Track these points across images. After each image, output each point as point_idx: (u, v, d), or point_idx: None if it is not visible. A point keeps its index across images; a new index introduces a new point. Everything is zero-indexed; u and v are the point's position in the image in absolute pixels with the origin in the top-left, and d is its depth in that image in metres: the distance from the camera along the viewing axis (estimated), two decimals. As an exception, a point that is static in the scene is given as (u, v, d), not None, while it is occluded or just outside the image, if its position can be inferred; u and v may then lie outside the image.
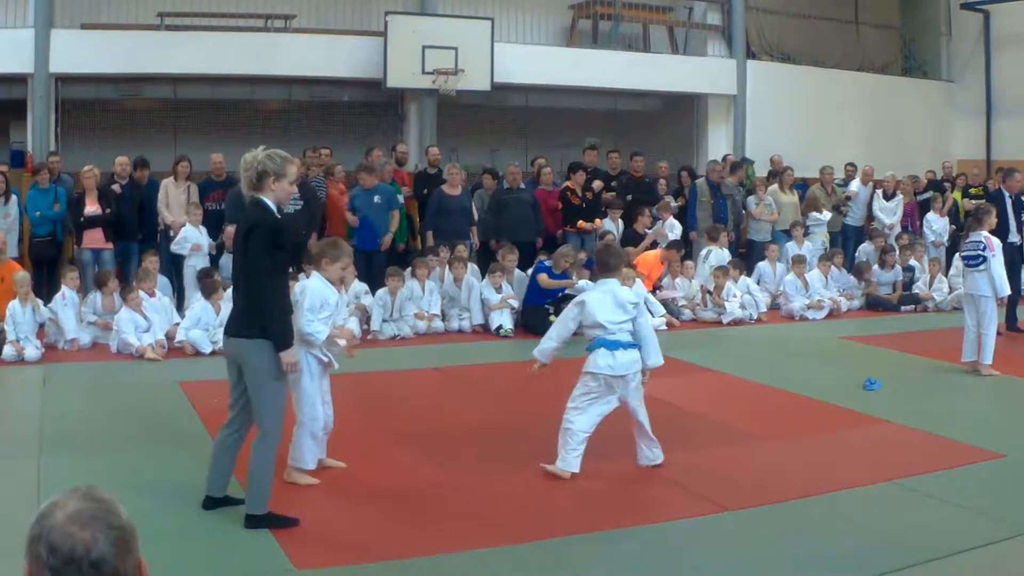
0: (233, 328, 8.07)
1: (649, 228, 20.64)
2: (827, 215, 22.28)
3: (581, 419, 9.52)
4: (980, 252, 14.50)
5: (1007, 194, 18.00)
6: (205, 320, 15.48)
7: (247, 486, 8.11)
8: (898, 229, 22.99)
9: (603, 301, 9.63)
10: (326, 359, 9.52)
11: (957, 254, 20.53)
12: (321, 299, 9.30)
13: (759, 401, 12.93)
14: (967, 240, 15.07)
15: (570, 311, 9.83)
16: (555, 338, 9.94)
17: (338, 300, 10.00)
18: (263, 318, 7.78)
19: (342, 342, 10.07)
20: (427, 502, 8.83)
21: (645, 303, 9.92)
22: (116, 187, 17.63)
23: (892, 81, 30.27)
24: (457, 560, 7.42)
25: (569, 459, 9.43)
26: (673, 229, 21.00)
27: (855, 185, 23.70)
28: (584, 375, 9.63)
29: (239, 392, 8.10)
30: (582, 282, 17.14)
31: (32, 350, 14.49)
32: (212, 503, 8.31)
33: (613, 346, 9.47)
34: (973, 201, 23.35)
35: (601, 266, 10.34)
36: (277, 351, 7.75)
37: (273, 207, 7.99)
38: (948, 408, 12.58)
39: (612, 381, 9.50)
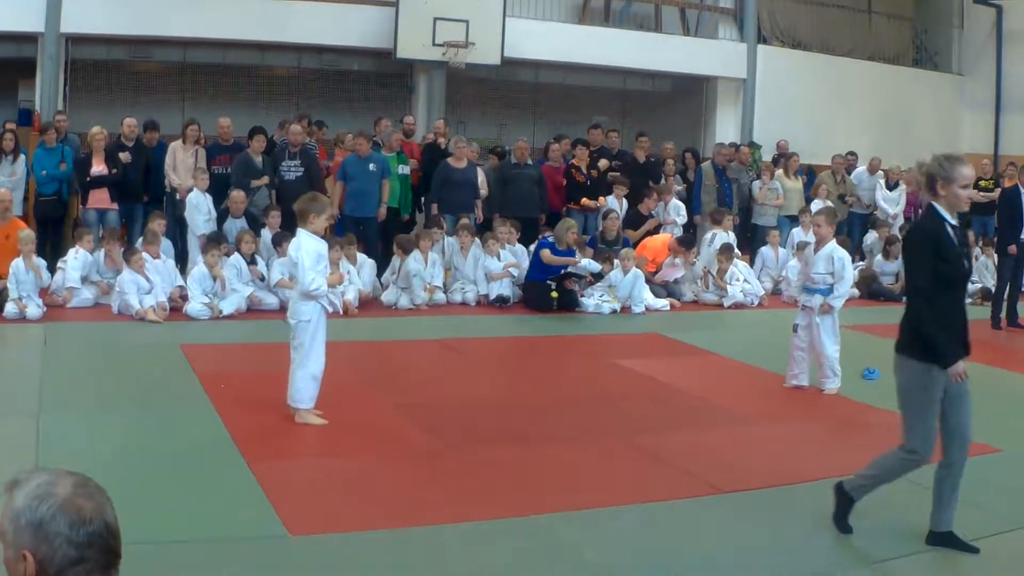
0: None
1: (654, 211, 20.60)
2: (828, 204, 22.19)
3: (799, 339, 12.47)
4: None
5: (1022, 189, 17.78)
6: (206, 286, 15.50)
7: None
8: (901, 219, 22.95)
9: (816, 261, 12.26)
10: (331, 308, 10.03)
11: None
12: (317, 253, 9.79)
13: (756, 385, 12.91)
14: None
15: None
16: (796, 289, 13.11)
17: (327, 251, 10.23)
18: (917, 334, 7.30)
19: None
20: (423, 473, 8.85)
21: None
22: (126, 155, 17.57)
23: (903, 72, 30.21)
24: (451, 531, 7.43)
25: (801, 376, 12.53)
26: (680, 212, 20.98)
27: (861, 173, 23.70)
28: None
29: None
30: (584, 261, 17.18)
31: (34, 308, 14.50)
32: (935, 539, 7.56)
33: (811, 291, 12.27)
34: (982, 194, 23.33)
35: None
36: (943, 368, 7.18)
37: (944, 214, 7.34)
38: (946, 400, 12.55)
39: (804, 311, 12.41)
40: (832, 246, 12.26)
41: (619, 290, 17.66)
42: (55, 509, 2.69)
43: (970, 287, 20.10)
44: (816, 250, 12.36)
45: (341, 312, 10.10)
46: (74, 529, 2.68)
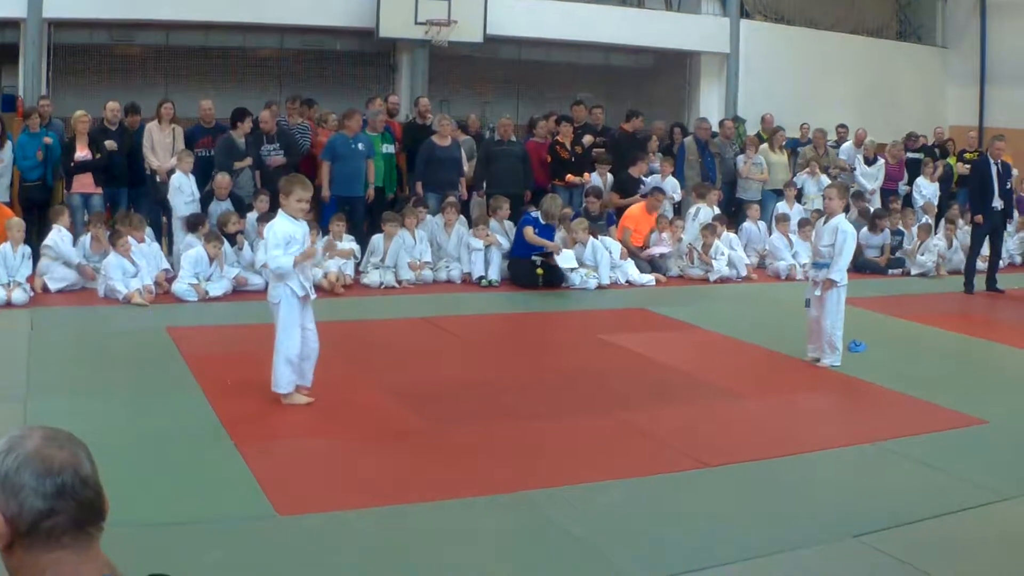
0: None
1: (646, 176, 20.55)
2: (821, 179, 22.12)
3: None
4: None
5: (992, 160, 18.22)
6: (200, 269, 15.47)
7: None
8: (879, 195, 22.95)
9: (823, 234, 12.45)
10: (303, 292, 9.91)
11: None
12: (287, 236, 9.77)
13: (743, 359, 12.98)
14: None
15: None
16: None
17: (306, 232, 10.13)
18: None
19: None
20: (410, 451, 8.90)
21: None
22: (111, 143, 17.46)
23: (886, 45, 30.17)
24: (437, 509, 7.47)
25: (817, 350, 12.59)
26: (676, 189, 20.92)
27: (849, 148, 23.71)
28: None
29: None
30: (566, 251, 17.16)
31: (21, 293, 14.45)
32: None
33: (820, 266, 12.39)
34: (967, 166, 23.41)
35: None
36: None
37: None
38: (933, 372, 12.61)
39: (815, 286, 12.44)
40: (838, 219, 12.32)
41: (587, 260, 17.65)
42: (20, 460, 2.55)
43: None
44: (824, 223, 12.44)
45: (313, 296, 10.01)
46: (40, 480, 2.54)
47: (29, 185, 17.32)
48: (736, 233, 20.25)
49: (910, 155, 24.08)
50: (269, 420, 9.61)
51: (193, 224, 16.19)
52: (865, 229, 20.77)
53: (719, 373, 11.97)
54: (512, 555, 6.86)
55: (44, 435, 2.63)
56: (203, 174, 17.41)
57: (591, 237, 17.77)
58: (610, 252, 17.95)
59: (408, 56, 24.41)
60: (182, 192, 16.95)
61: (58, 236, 15.48)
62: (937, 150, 25.09)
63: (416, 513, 7.36)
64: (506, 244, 17.87)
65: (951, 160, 24.73)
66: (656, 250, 18.92)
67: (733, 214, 21.50)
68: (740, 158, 22.07)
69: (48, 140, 17.26)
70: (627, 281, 17.92)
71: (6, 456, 2.57)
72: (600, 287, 17.38)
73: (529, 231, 17.24)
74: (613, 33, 25.87)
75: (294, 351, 9.88)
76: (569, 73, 27.11)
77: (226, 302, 15.30)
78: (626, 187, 20.30)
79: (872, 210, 21.36)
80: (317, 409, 9.89)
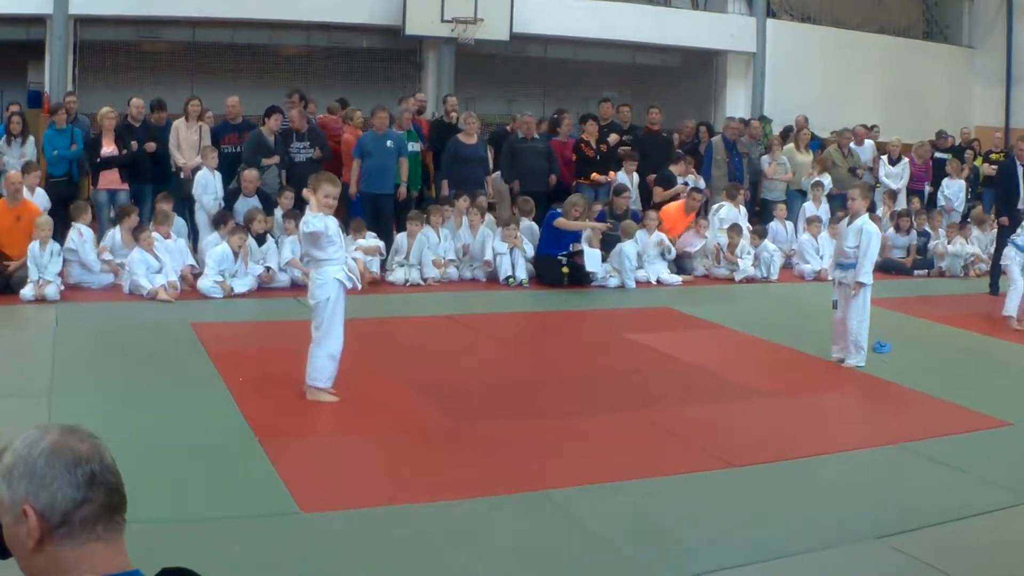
0: None
1: (685, 177, 20.54)
2: (827, 179, 22.00)
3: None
4: None
5: (1018, 162, 18.18)
6: (225, 266, 15.48)
7: None
8: (904, 195, 22.88)
9: (847, 235, 12.40)
10: (351, 284, 10.03)
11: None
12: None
13: (767, 359, 12.95)
14: None
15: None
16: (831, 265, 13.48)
17: (336, 226, 10.16)
18: None
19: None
20: (434, 450, 8.89)
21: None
22: (151, 145, 17.49)
23: (913, 45, 30.12)
24: (460, 507, 7.47)
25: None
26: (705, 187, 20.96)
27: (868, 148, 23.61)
28: None
29: None
30: (591, 252, 17.11)
31: (52, 289, 14.44)
32: None
33: (844, 267, 12.35)
34: (993, 166, 23.32)
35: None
36: None
37: None
38: (957, 374, 12.56)
39: (840, 287, 12.48)
40: (863, 220, 12.25)
41: (612, 262, 17.62)
42: (46, 453, 2.55)
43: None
44: (848, 224, 12.40)
45: (360, 287, 10.06)
46: (70, 470, 2.53)
47: (55, 181, 17.37)
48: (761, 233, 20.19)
49: (938, 155, 23.98)
50: (293, 417, 9.61)
51: (217, 221, 16.23)
52: (891, 230, 20.71)
53: (744, 373, 11.95)
54: (535, 554, 6.85)
55: (63, 430, 2.64)
56: (229, 171, 17.44)
57: (626, 240, 17.68)
58: (640, 254, 17.89)
59: (434, 54, 24.47)
60: (207, 189, 16.99)
61: (79, 240, 15.43)
62: (970, 153, 24.90)
63: (439, 511, 7.36)
64: (530, 251, 17.82)
65: (977, 162, 24.61)
66: (688, 244, 18.87)
67: (757, 214, 21.46)
68: (765, 158, 21.98)
69: (74, 145, 17.29)
70: (656, 280, 17.88)
71: (31, 449, 2.56)
72: (622, 287, 17.34)
73: (562, 220, 17.16)
74: (639, 32, 25.89)
75: (338, 347, 9.96)
76: (595, 72, 27.12)
77: (251, 299, 15.32)
78: (667, 181, 20.31)
79: (897, 211, 21.34)
80: (341, 406, 9.90)
